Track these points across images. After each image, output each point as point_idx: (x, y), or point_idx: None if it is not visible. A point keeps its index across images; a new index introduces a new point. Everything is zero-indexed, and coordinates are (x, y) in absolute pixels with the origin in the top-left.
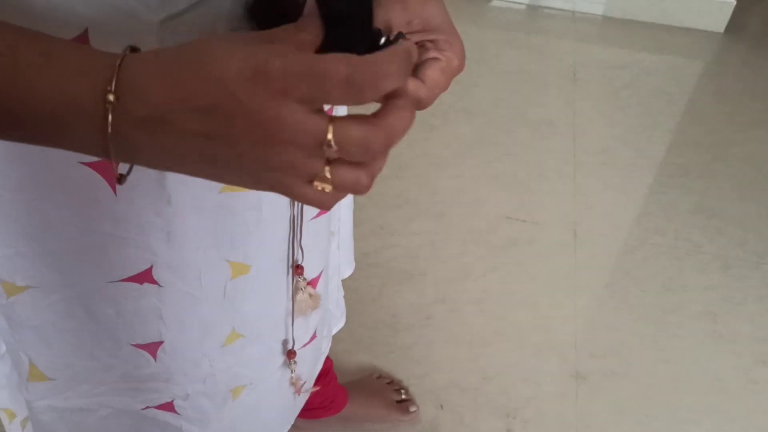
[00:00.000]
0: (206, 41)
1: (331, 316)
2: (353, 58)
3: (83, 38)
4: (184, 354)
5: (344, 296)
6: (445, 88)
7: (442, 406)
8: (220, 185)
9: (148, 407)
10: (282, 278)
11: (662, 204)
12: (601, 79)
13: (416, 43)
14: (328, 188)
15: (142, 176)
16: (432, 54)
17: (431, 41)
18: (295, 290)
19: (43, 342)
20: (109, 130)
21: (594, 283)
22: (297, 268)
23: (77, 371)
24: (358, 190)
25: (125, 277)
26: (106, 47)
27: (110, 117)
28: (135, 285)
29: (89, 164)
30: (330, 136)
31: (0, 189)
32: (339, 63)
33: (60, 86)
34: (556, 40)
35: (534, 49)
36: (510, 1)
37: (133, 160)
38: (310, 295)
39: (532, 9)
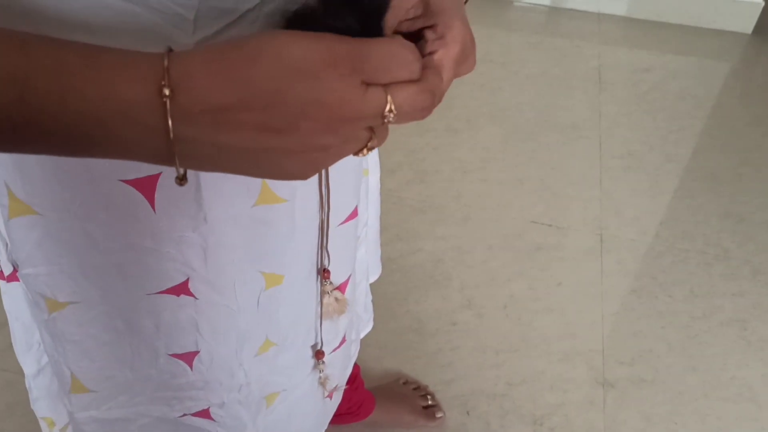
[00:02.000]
0: (259, 35)
1: (359, 319)
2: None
3: None
4: (219, 364)
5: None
6: (450, 74)
7: (468, 413)
8: (254, 199)
9: (185, 414)
10: (312, 284)
11: (690, 208)
12: (627, 81)
13: (415, 33)
14: (368, 152)
15: (179, 194)
16: (428, 48)
17: (431, 27)
18: (322, 294)
19: (84, 355)
20: (169, 123)
21: (621, 288)
22: (324, 272)
23: (117, 383)
24: (383, 141)
25: (163, 289)
26: None
27: (168, 109)
28: (172, 297)
29: (129, 182)
30: (390, 105)
31: (44, 209)
32: (403, 46)
33: (109, 91)
34: (581, 42)
35: (558, 51)
36: (533, 3)
37: (189, 159)
38: (337, 300)
39: (556, 11)
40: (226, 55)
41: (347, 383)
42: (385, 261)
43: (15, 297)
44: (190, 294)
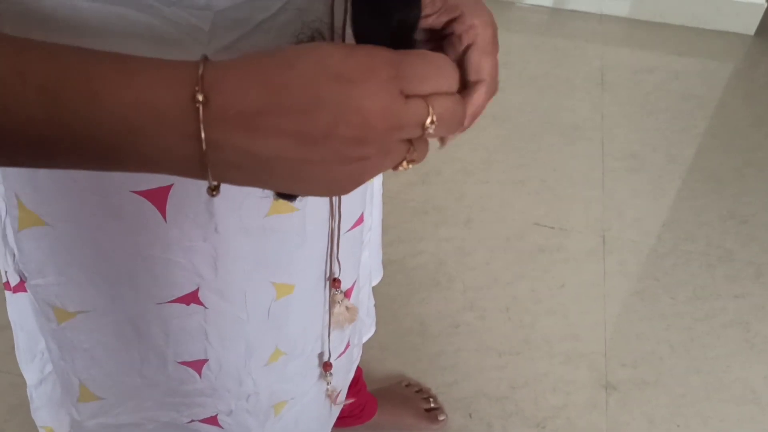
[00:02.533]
0: (295, 45)
1: (362, 324)
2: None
3: None
4: (228, 372)
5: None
6: (494, 65)
7: (470, 415)
8: (266, 210)
9: (193, 420)
10: (321, 292)
11: (693, 210)
12: (630, 82)
13: (439, 33)
14: (408, 167)
15: (191, 205)
16: (464, 43)
17: (456, 19)
18: (332, 303)
19: (93, 363)
20: (201, 129)
21: (623, 290)
22: (334, 282)
23: (126, 388)
24: (424, 157)
25: (173, 298)
26: None
27: (201, 116)
28: (182, 306)
29: (140, 193)
30: (432, 117)
31: (54, 219)
32: (444, 58)
33: (142, 97)
34: (583, 43)
35: (560, 52)
36: (535, 4)
37: (222, 170)
38: (347, 308)
39: (558, 12)
40: (263, 61)
41: (350, 387)
42: (387, 263)
43: (21, 307)
44: (200, 303)
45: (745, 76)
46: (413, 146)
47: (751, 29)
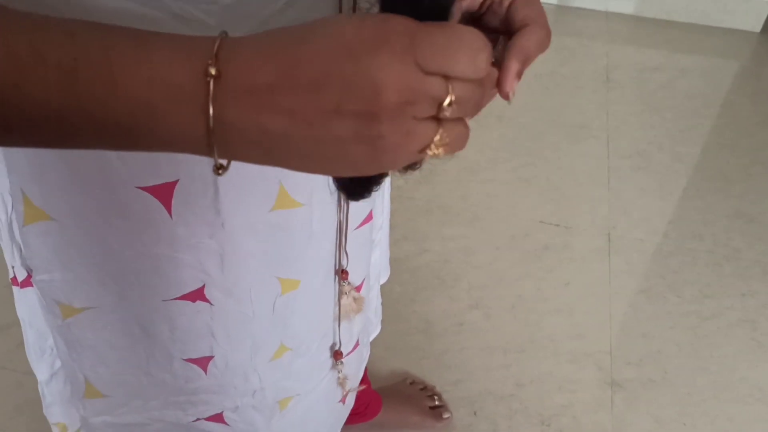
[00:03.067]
0: (314, 20)
1: (369, 323)
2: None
3: None
4: (234, 368)
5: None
6: (542, 12)
7: (476, 413)
8: (271, 204)
9: (198, 419)
10: (329, 285)
11: (699, 208)
12: (635, 80)
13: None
14: (441, 152)
15: (197, 201)
16: (504, 4)
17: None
18: (340, 294)
19: (99, 360)
20: (210, 109)
21: (629, 289)
22: (342, 273)
23: (131, 387)
24: (463, 144)
25: (179, 295)
26: None
27: (211, 90)
28: (188, 303)
29: (146, 189)
30: (451, 97)
31: (61, 216)
32: (471, 31)
33: (158, 72)
34: (589, 42)
35: (566, 50)
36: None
37: (234, 147)
38: (354, 299)
39: (563, 9)
40: (280, 36)
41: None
42: (393, 261)
43: (29, 303)
44: (206, 300)
45: (752, 73)
46: (443, 128)
47: (758, 27)
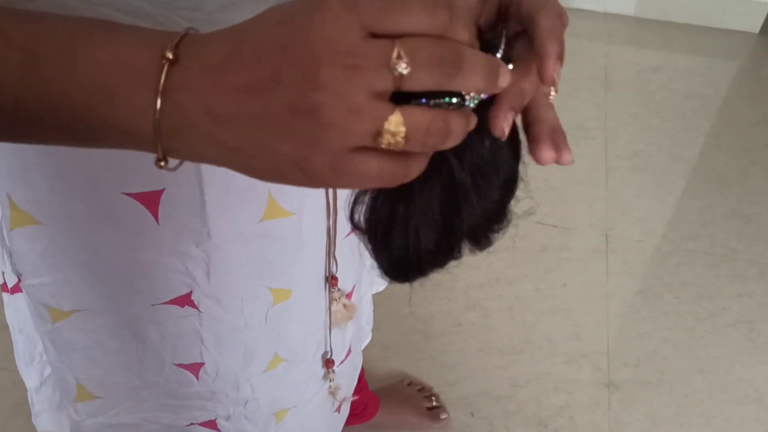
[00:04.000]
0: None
1: (362, 330)
2: None
3: None
4: (225, 377)
5: (375, 303)
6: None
7: (473, 414)
8: (261, 214)
9: (192, 424)
10: (321, 296)
11: (697, 209)
12: (634, 81)
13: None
14: (401, 142)
15: (183, 209)
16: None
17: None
18: (330, 301)
19: (90, 362)
20: (161, 85)
21: (627, 289)
22: (332, 279)
23: (124, 388)
24: (443, 137)
25: (167, 299)
26: None
27: (164, 73)
28: (176, 307)
29: (133, 195)
30: (398, 50)
31: (49, 219)
32: None
33: (119, 55)
34: (587, 42)
35: (565, 51)
36: None
37: (180, 138)
38: (345, 306)
39: None
40: (238, 24)
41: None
42: None
43: (18, 309)
44: (194, 306)
45: (751, 74)
46: (401, 110)
47: (756, 27)
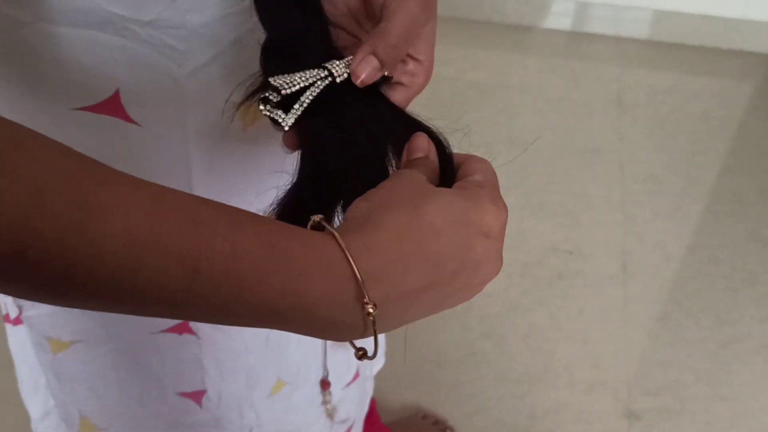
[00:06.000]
0: (422, 195)
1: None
2: None
3: (115, 97)
4: (228, 403)
5: (388, 332)
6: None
7: None
8: None
9: None
10: None
11: (716, 232)
12: (648, 104)
13: None
14: None
15: None
16: (400, 74)
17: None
18: None
19: (92, 394)
20: (375, 335)
21: (646, 316)
22: None
23: (128, 419)
24: None
25: (165, 328)
26: (135, 103)
27: (375, 326)
28: (175, 335)
29: None
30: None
31: None
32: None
33: (293, 287)
34: (600, 66)
35: (577, 75)
36: (552, 27)
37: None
38: None
39: (575, 34)
40: (408, 232)
41: (364, 419)
42: None
43: (21, 340)
44: (192, 332)
45: (766, 95)
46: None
47: None
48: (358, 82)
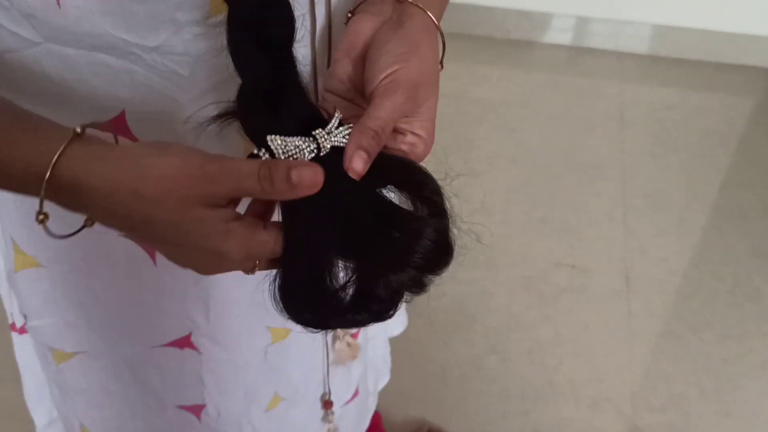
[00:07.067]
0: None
1: (377, 371)
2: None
3: (120, 118)
4: (227, 418)
5: (392, 347)
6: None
7: None
8: None
9: None
10: (321, 336)
11: (719, 247)
12: (650, 119)
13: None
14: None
15: None
16: (399, 143)
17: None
18: (334, 339)
19: (93, 405)
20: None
21: (649, 331)
22: None
23: (128, 431)
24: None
25: (166, 342)
26: (141, 124)
27: (42, 192)
28: (176, 350)
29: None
30: None
31: (49, 262)
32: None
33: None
34: (602, 81)
35: (579, 91)
36: (553, 43)
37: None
38: (349, 345)
39: (576, 50)
40: (109, 170)
41: None
42: (407, 306)
43: (27, 348)
44: (194, 347)
45: (767, 110)
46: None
47: None
48: (355, 177)
